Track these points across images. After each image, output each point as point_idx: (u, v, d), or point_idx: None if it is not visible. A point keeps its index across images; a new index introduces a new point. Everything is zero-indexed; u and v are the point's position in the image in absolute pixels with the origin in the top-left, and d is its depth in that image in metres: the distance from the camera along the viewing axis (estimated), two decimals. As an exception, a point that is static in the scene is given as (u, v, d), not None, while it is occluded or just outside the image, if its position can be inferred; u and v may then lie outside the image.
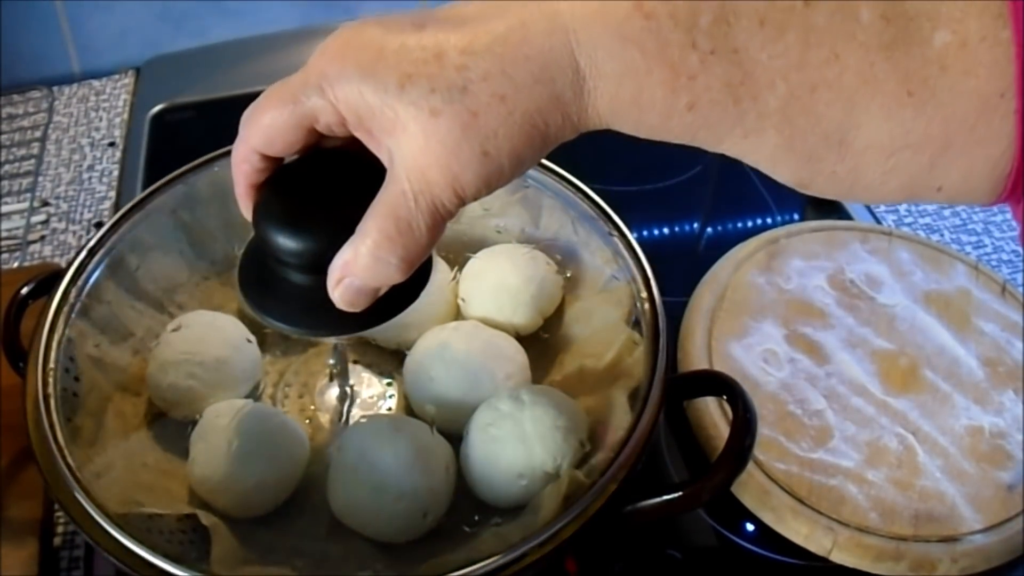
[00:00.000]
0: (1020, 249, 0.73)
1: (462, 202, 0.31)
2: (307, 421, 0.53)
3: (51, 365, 0.47)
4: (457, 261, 0.57)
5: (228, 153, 0.52)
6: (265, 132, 0.33)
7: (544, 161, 0.56)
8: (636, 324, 0.50)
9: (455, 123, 0.29)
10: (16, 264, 0.72)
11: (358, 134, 0.32)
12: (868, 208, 0.76)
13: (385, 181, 0.31)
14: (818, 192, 0.30)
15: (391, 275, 0.32)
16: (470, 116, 0.29)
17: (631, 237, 0.52)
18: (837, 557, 0.52)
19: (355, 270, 0.32)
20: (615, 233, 0.53)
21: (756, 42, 0.27)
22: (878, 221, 0.75)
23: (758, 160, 0.29)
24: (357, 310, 0.34)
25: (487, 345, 0.52)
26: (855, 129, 0.27)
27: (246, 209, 0.37)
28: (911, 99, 0.26)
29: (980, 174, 0.27)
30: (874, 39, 0.26)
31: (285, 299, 0.37)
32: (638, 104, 0.28)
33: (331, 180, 0.35)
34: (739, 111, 0.28)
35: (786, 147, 0.28)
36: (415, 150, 0.29)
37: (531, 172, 0.56)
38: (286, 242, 0.35)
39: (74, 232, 0.76)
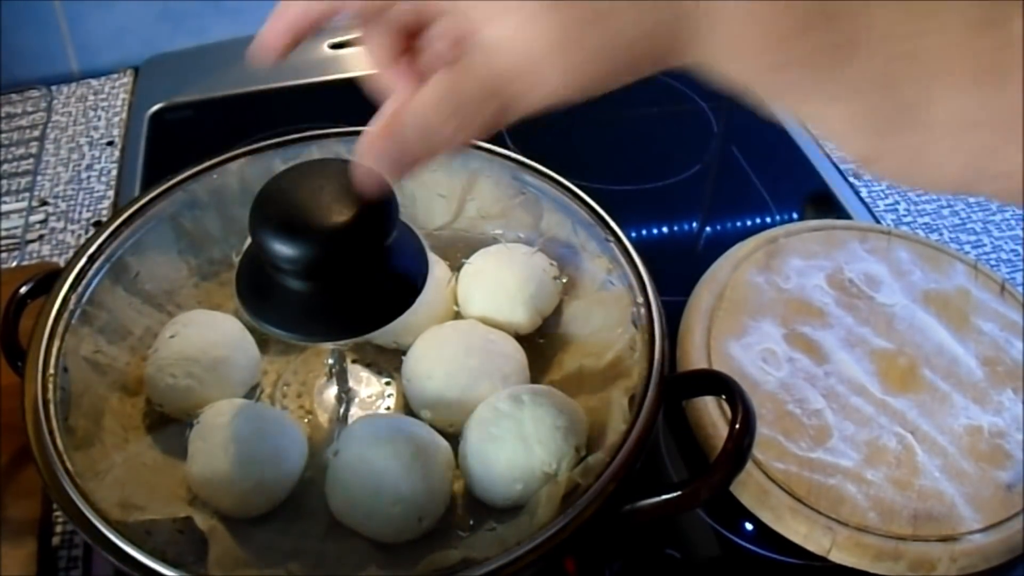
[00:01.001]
0: (1019, 248, 0.73)
1: (530, 104, 0.30)
2: (306, 421, 0.53)
3: (51, 370, 0.47)
4: (456, 263, 0.57)
5: (226, 160, 0.52)
6: None
7: (542, 168, 0.56)
8: (635, 324, 0.50)
9: (562, 20, 0.28)
10: (15, 263, 0.72)
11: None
12: (867, 207, 0.76)
13: (469, 53, 0.30)
14: (880, 170, 0.30)
15: (441, 136, 0.31)
16: (576, 23, 0.28)
17: (628, 244, 0.52)
18: (836, 556, 0.52)
19: (406, 118, 0.31)
20: (612, 239, 0.53)
21: (861, 6, 0.27)
22: (877, 220, 0.75)
23: (832, 129, 0.29)
24: (384, 172, 0.32)
25: (486, 344, 0.52)
26: (932, 103, 0.27)
27: (272, 37, 0.34)
28: (990, 77, 0.26)
29: None
30: (965, 14, 0.26)
31: (282, 305, 0.37)
32: (738, 51, 0.28)
33: (327, 187, 0.35)
34: (832, 75, 0.28)
35: (864, 116, 0.28)
36: (508, 36, 0.29)
37: (529, 178, 0.56)
38: (283, 248, 0.35)
39: (73, 231, 0.75)
